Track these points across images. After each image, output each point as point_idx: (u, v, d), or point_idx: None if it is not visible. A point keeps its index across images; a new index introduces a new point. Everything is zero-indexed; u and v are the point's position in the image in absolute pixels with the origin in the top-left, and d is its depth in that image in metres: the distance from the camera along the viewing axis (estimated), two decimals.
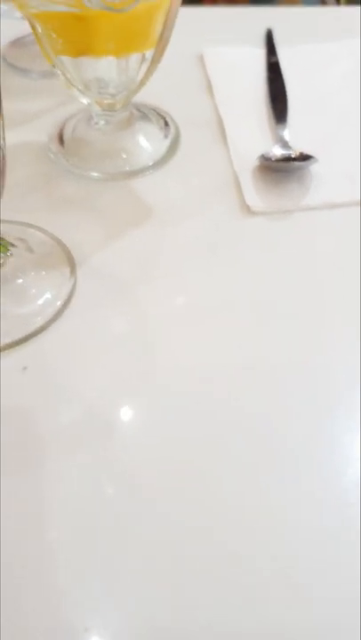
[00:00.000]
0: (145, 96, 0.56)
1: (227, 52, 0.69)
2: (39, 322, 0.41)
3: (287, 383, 0.38)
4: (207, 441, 0.36)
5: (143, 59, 0.49)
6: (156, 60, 0.50)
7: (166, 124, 0.59)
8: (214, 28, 0.74)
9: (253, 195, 0.50)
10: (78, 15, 0.43)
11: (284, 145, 0.54)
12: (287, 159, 0.52)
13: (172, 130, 0.58)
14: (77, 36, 0.46)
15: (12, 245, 0.45)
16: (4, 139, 0.38)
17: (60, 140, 0.58)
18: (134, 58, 0.48)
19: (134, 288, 0.44)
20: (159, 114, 0.60)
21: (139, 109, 0.59)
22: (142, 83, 0.52)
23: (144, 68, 0.50)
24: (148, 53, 0.49)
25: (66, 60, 0.49)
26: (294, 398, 0.38)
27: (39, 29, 0.47)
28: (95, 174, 0.55)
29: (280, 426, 0.36)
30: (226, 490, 0.34)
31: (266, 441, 0.36)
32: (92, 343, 0.41)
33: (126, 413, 0.37)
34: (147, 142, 0.57)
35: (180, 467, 0.34)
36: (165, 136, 0.58)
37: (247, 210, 0.50)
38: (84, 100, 0.54)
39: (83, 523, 0.32)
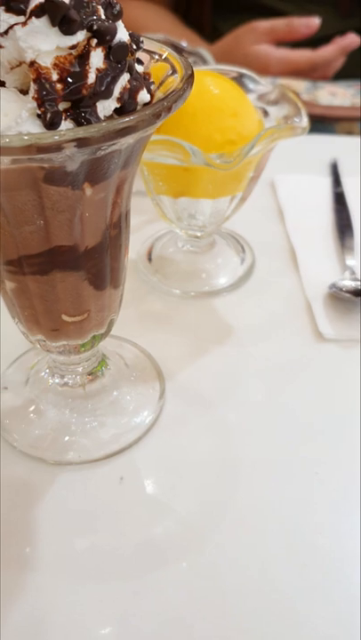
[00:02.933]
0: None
1: (296, 180, 0.76)
2: (134, 435, 0.46)
3: None
4: (292, 561, 0.39)
5: (234, 198, 0.56)
6: (244, 199, 0.57)
7: (243, 249, 0.65)
8: (283, 155, 0.81)
9: (326, 323, 0.55)
10: (184, 167, 0.50)
11: (353, 275, 0.60)
12: (357, 292, 0.57)
13: (248, 255, 0.64)
14: (180, 183, 0.52)
15: (110, 359, 0.50)
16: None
17: (149, 257, 0.64)
18: (227, 198, 0.55)
19: (217, 406, 0.49)
20: (236, 239, 0.66)
21: (219, 235, 0.65)
22: (229, 217, 0.58)
23: (233, 205, 0.56)
24: (239, 194, 0.55)
25: (165, 198, 0.56)
26: None
27: (145, 172, 0.54)
28: (177, 291, 0.61)
29: None
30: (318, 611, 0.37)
31: None
32: (182, 459, 0.45)
33: (215, 529, 0.41)
34: (225, 266, 0.63)
35: (269, 585, 0.38)
36: (242, 260, 0.64)
37: (319, 336, 0.55)
38: (175, 230, 0.61)
39: (177, 632, 0.36)
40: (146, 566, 0.39)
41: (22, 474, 0.44)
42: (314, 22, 1.01)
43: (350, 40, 1.03)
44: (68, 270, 0.37)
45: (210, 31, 1.20)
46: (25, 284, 0.37)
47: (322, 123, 0.91)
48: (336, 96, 0.98)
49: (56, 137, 0.27)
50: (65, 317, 0.39)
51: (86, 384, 0.47)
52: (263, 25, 1.04)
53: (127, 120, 0.28)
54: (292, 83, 0.99)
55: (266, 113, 0.56)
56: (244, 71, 0.61)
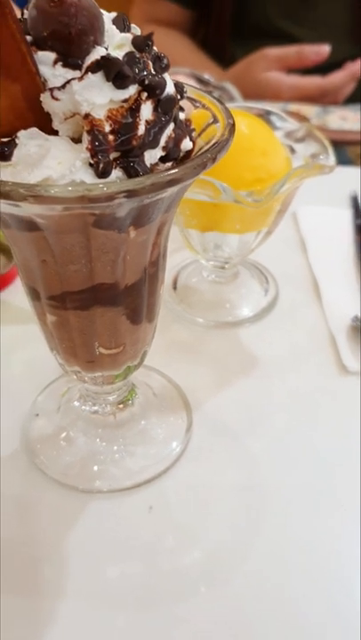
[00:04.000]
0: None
1: (317, 212, 0.78)
2: (162, 465, 0.47)
3: None
4: (318, 593, 0.40)
5: (260, 232, 0.57)
6: (270, 232, 0.58)
7: (266, 280, 0.66)
8: (305, 187, 0.83)
9: (349, 355, 0.56)
10: (214, 203, 0.52)
11: None
12: None
13: (272, 286, 0.66)
14: (209, 218, 0.54)
15: (139, 388, 0.52)
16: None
17: (174, 286, 0.66)
18: (253, 232, 0.56)
19: (243, 437, 0.50)
20: (260, 270, 0.68)
21: (243, 265, 0.67)
22: (254, 249, 0.59)
23: (259, 238, 0.58)
24: (266, 228, 0.57)
25: (193, 231, 0.57)
26: None
27: None
28: (201, 320, 0.62)
29: None
30: None
31: None
32: (209, 488, 0.46)
33: (242, 559, 0.42)
34: (248, 296, 0.64)
35: (295, 617, 0.38)
36: (265, 291, 0.65)
37: (343, 368, 0.56)
38: (200, 260, 0.62)
39: None
40: (174, 595, 0.40)
41: (53, 500, 0.45)
42: (324, 50, 1.04)
43: None
44: (107, 306, 0.38)
45: (227, 57, 1.23)
46: (66, 317, 0.39)
47: (333, 147, 0.93)
48: (347, 120, 1.00)
49: (107, 188, 0.28)
50: (101, 350, 0.41)
51: (116, 413, 0.49)
52: (274, 52, 1.07)
53: (175, 172, 0.30)
54: (303, 108, 1.01)
55: (293, 150, 0.58)
56: (270, 108, 0.62)
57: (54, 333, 0.41)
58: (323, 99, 1.06)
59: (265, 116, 0.62)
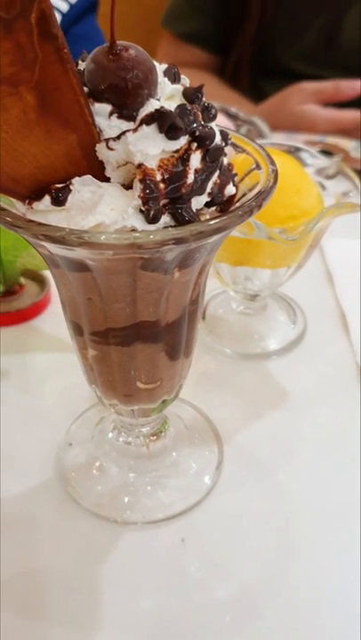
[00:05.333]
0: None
1: (344, 244, 0.79)
2: (194, 497, 0.47)
3: None
4: (351, 629, 0.40)
5: (291, 266, 0.58)
6: (300, 266, 0.59)
7: (294, 312, 0.67)
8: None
9: None
10: (247, 239, 0.53)
11: None
12: None
13: (300, 318, 0.67)
14: (241, 253, 0.55)
15: (170, 420, 0.52)
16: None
17: (203, 316, 0.67)
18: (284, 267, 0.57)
19: (273, 470, 0.50)
20: (288, 302, 0.68)
21: (271, 297, 0.68)
22: (284, 283, 0.60)
23: (290, 272, 0.59)
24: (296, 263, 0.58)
25: (224, 265, 0.58)
26: None
27: None
28: (229, 351, 0.63)
29: None
30: None
31: None
32: (240, 521, 0.47)
33: (274, 594, 0.42)
34: (277, 328, 0.65)
35: None
36: (293, 323, 0.66)
37: None
38: (230, 292, 0.63)
39: None
40: (207, 628, 0.40)
41: (87, 531, 0.46)
42: (359, 85, 1.06)
43: None
44: (148, 342, 0.39)
45: (256, 95, 1.25)
46: (107, 352, 0.40)
47: None
48: None
49: (157, 237, 0.29)
50: (139, 384, 0.42)
51: (149, 444, 0.49)
52: (310, 86, 1.09)
53: (222, 220, 0.31)
54: (341, 141, 1.03)
55: (323, 187, 0.59)
56: (300, 145, 0.64)
57: (95, 367, 0.42)
58: (358, 132, 1.08)
59: (295, 153, 0.63)
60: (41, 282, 0.69)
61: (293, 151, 0.63)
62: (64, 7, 1.11)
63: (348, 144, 1.02)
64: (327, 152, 0.94)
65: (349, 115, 1.07)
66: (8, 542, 0.45)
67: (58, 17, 1.18)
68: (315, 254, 0.77)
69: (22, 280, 0.68)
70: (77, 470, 0.49)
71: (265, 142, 0.66)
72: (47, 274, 0.69)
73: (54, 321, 0.67)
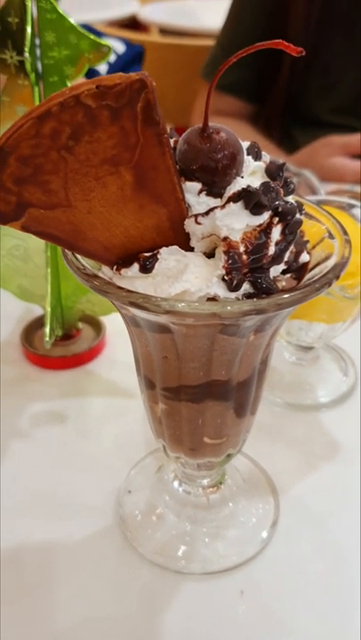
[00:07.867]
0: None
1: None
2: (252, 549, 0.48)
3: None
4: None
5: (346, 321, 0.59)
6: (355, 320, 0.60)
7: (345, 363, 0.68)
8: None
9: None
10: None
11: None
12: None
13: (351, 370, 0.67)
14: (298, 307, 0.56)
15: (227, 472, 0.53)
16: None
17: None
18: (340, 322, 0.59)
19: (330, 525, 0.51)
20: (340, 354, 0.69)
21: (323, 349, 0.69)
22: (338, 336, 0.62)
23: (345, 327, 0.60)
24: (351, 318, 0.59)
25: None
26: None
27: None
28: (280, 400, 0.64)
29: None
30: None
31: None
32: (299, 575, 0.47)
33: None
34: (329, 380, 0.66)
35: None
36: (345, 375, 0.67)
37: None
38: (283, 342, 0.64)
39: None
40: None
41: (145, 579, 0.47)
42: None
43: None
44: (218, 400, 0.41)
45: (289, 144, 1.28)
46: (177, 408, 0.41)
47: None
48: None
49: (241, 307, 0.31)
50: (206, 440, 0.43)
51: (209, 495, 0.50)
52: (339, 140, 1.12)
53: (301, 291, 0.33)
54: None
55: None
56: (353, 202, 0.65)
57: (163, 420, 0.43)
58: None
59: (347, 209, 0.65)
60: (97, 326, 0.71)
61: (346, 207, 0.65)
62: (111, 57, 1.17)
63: None
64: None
65: None
66: (68, 589, 0.46)
67: (104, 67, 1.24)
68: None
69: (80, 324, 0.71)
70: (137, 518, 0.50)
71: (316, 199, 0.68)
72: (104, 319, 0.71)
73: (109, 365, 0.69)
